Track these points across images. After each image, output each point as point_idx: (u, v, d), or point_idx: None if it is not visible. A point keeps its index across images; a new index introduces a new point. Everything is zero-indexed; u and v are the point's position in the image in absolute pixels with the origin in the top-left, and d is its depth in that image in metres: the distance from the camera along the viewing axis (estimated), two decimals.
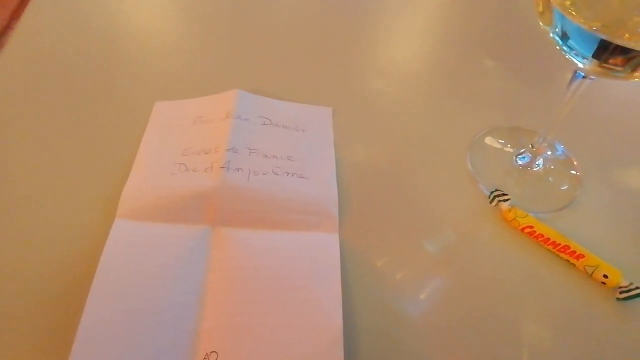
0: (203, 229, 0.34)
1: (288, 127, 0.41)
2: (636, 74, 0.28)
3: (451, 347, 0.31)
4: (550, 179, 0.41)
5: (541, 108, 0.46)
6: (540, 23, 0.31)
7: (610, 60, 0.28)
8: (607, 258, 0.35)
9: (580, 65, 0.30)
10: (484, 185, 0.39)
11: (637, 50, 0.27)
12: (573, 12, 0.28)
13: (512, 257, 0.36)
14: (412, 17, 0.56)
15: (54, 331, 0.30)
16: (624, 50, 0.27)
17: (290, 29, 0.52)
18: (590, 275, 0.35)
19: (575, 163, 0.42)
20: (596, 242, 0.36)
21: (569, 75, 0.34)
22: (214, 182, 0.35)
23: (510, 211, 0.37)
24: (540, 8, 0.30)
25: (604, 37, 0.27)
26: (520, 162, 0.41)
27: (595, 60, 0.29)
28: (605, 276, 0.34)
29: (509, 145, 0.43)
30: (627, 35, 0.27)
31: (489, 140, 0.43)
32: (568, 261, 0.35)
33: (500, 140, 0.43)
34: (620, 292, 0.34)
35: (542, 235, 0.36)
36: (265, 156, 0.38)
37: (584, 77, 0.33)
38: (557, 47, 0.31)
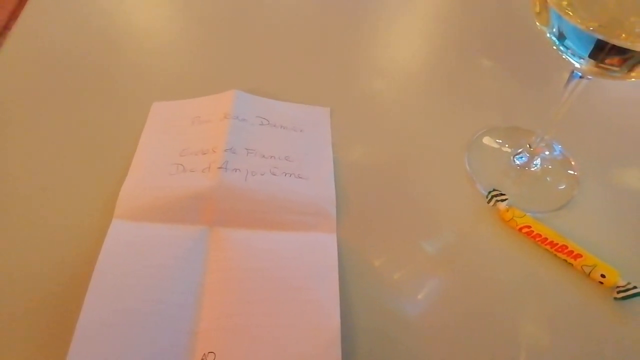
0: (201, 229, 0.34)
1: (286, 128, 0.41)
2: (633, 73, 0.28)
3: (449, 347, 0.31)
4: (547, 178, 0.41)
5: (539, 108, 0.46)
6: (537, 23, 0.31)
7: (607, 60, 0.28)
8: (604, 258, 0.35)
9: (577, 65, 0.30)
10: (481, 185, 0.40)
11: (634, 50, 0.27)
12: (570, 13, 0.28)
13: (509, 257, 0.36)
14: (410, 17, 0.56)
15: (51, 331, 0.30)
16: (620, 50, 0.27)
17: (287, 29, 0.52)
18: (588, 275, 0.35)
19: (572, 163, 0.42)
20: (594, 242, 0.36)
21: (566, 75, 0.34)
22: (211, 183, 0.35)
23: (507, 211, 0.37)
24: (537, 8, 0.30)
25: (600, 37, 0.27)
26: (517, 162, 0.41)
27: (592, 60, 0.29)
28: (603, 276, 0.34)
29: (506, 145, 0.43)
30: (623, 35, 0.27)
31: (486, 140, 0.43)
32: (566, 261, 0.35)
33: (497, 140, 0.43)
34: (618, 292, 0.34)
35: (540, 235, 0.36)
36: (263, 156, 0.38)
37: (581, 77, 0.33)
38: (554, 47, 0.31)
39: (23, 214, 0.35)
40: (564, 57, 0.31)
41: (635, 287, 0.33)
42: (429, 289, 0.34)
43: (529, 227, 0.36)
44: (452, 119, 0.45)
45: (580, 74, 0.33)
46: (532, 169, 0.41)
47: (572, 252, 0.35)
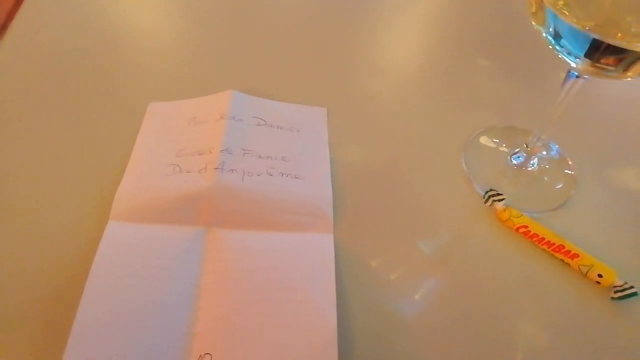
0: (197, 230, 0.34)
1: (282, 128, 0.41)
2: (629, 73, 0.28)
3: (446, 348, 0.31)
4: (545, 178, 0.41)
5: (536, 108, 0.46)
6: (534, 23, 0.31)
7: (603, 60, 0.28)
8: (601, 257, 0.35)
9: (573, 64, 0.30)
10: (478, 185, 0.39)
11: (629, 50, 0.27)
12: (566, 12, 0.28)
13: (506, 257, 0.36)
14: (407, 17, 0.56)
15: (47, 332, 0.30)
16: (616, 50, 0.27)
17: (285, 29, 0.52)
18: (585, 275, 0.35)
19: (569, 162, 0.42)
20: (591, 242, 0.36)
21: (563, 75, 0.34)
22: (208, 183, 0.35)
23: (505, 211, 0.37)
24: (534, 8, 0.30)
25: (596, 36, 0.27)
26: (515, 162, 0.41)
27: (587, 60, 0.29)
28: (600, 275, 0.34)
29: (503, 145, 0.43)
30: (619, 34, 0.27)
31: (483, 140, 0.43)
32: (563, 261, 0.35)
33: (495, 140, 0.43)
34: (615, 292, 0.34)
35: (537, 235, 0.36)
36: (260, 157, 0.38)
37: (577, 76, 0.33)
38: (550, 47, 0.31)
39: (19, 215, 0.35)
40: (560, 56, 0.31)
41: (632, 287, 0.33)
42: (426, 289, 0.34)
43: (526, 227, 0.36)
44: (449, 119, 0.45)
45: (576, 73, 0.33)
46: (529, 169, 0.41)
47: (569, 252, 0.35)
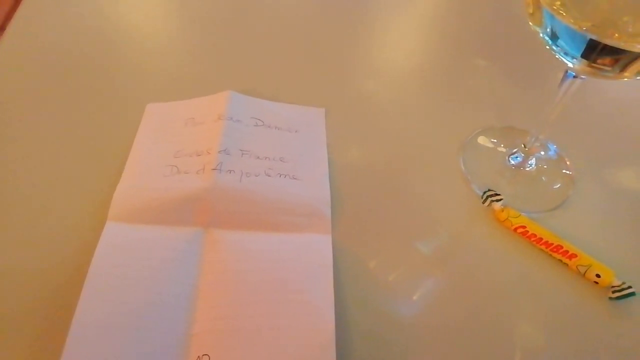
0: (195, 231, 0.34)
1: (280, 129, 0.41)
2: (626, 73, 0.28)
3: (444, 348, 0.31)
4: (543, 178, 0.41)
5: (533, 108, 0.46)
6: (531, 24, 0.31)
7: (600, 60, 0.28)
8: (599, 257, 0.35)
9: (570, 65, 0.31)
10: (476, 185, 0.39)
11: (626, 50, 0.27)
12: (563, 13, 0.28)
13: (504, 257, 0.36)
14: (405, 17, 0.56)
15: (45, 334, 0.30)
16: (613, 50, 0.27)
17: (283, 29, 0.52)
18: (583, 275, 0.35)
19: (567, 162, 0.42)
20: (589, 242, 0.36)
21: (561, 75, 0.34)
22: (206, 184, 0.35)
23: (502, 211, 0.37)
24: (531, 9, 0.30)
25: (593, 37, 0.27)
26: (512, 162, 0.41)
27: (584, 60, 0.29)
28: (598, 276, 0.34)
29: (501, 145, 0.43)
30: (616, 35, 0.27)
31: (481, 140, 0.43)
32: (561, 261, 0.35)
33: (492, 140, 0.43)
34: (613, 292, 0.34)
35: (535, 235, 0.36)
36: (258, 157, 0.38)
37: (574, 76, 0.33)
38: (548, 48, 0.31)
39: (16, 216, 0.35)
40: (557, 57, 0.31)
41: (630, 287, 0.33)
42: (424, 289, 0.34)
43: (524, 227, 0.36)
44: (447, 119, 0.45)
45: (573, 73, 0.33)
46: (527, 169, 0.41)
47: (567, 252, 0.35)
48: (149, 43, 0.48)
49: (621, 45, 0.27)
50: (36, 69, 0.45)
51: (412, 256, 0.35)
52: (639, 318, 0.33)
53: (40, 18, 0.49)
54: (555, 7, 0.28)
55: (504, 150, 0.42)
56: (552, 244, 0.35)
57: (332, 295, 0.32)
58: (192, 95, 0.43)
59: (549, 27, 0.29)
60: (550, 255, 0.35)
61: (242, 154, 0.38)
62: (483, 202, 0.38)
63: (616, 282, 0.34)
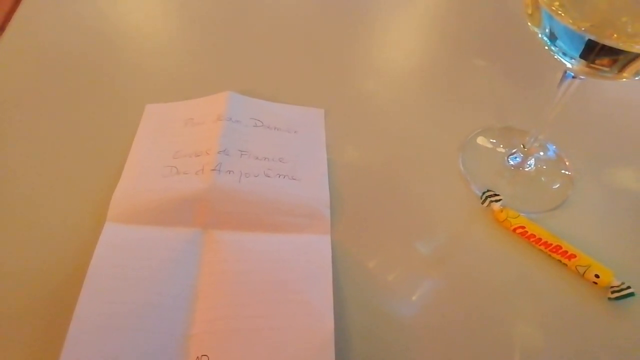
0: (194, 231, 0.34)
1: (280, 129, 0.41)
2: (624, 74, 0.28)
3: (443, 348, 0.31)
4: (542, 179, 0.41)
5: (533, 108, 0.46)
6: (530, 24, 0.31)
7: (599, 60, 0.28)
8: (598, 258, 0.35)
9: (568, 65, 0.31)
10: (475, 185, 0.39)
11: (625, 51, 0.27)
12: (561, 13, 0.28)
13: (504, 258, 0.36)
14: (404, 18, 0.56)
15: (44, 334, 0.30)
16: (611, 51, 0.27)
17: (282, 30, 0.52)
18: (582, 275, 0.35)
19: (567, 163, 0.42)
20: (588, 242, 0.36)
21: (560, 76, 0.34)
22: (205, 185, 0.35)
23: (502, 212, 0.37)
24: (530, 10, 0.30)
25: (592, 37, 0.27)
26: (512, 163, 0.41)
27: (583, 61, 0.29)
28: (597, 276, 0.34)
29: (500, 146, 0.43)
30: (615, 35, 0.27)
31: (480, 140, 0.43)
32: (560, 261, 0.35)
33: (492, 141, 0.43)
34: (612, 292, 0.34)
35: (534, 236, 0.36)
36: (257, 158, 0.38)
37: (573, 77, 0.33)
38: (546, 48, 0.31)
39: (15, 217, 0.35)
40: (555, 57, 0.31)
41: (629, 287, 0.33)
42: (423, 290, 0.34)
43: (523, 227, 0.36)
44: (446, 120, 0.45)
45: (572, 74, 0.33)
46: (526, 169, 0.41)
47: (566, 252, 0.35)
48: (149, 43, 0.48)
49: (620, 45, 0.27)
50: (36, 69, 0.45)
51: (411, 256, 0.35)
52: (638, 318, 0.33)
53: (40, 18, 0.49)
54: (554, 8, 0.28)
55: (503, 150, 0.42)
56: (551, 244, 0.35)
57: (331, 295, 0.32)
58: (192, 95, 0.43)
59: (548, 27, 0.29)
60: (550, 255, 0.36)
61: (242, 154, 0.38)
62: (482, 203, 0.38)
63: (615, 283, 0.34)
